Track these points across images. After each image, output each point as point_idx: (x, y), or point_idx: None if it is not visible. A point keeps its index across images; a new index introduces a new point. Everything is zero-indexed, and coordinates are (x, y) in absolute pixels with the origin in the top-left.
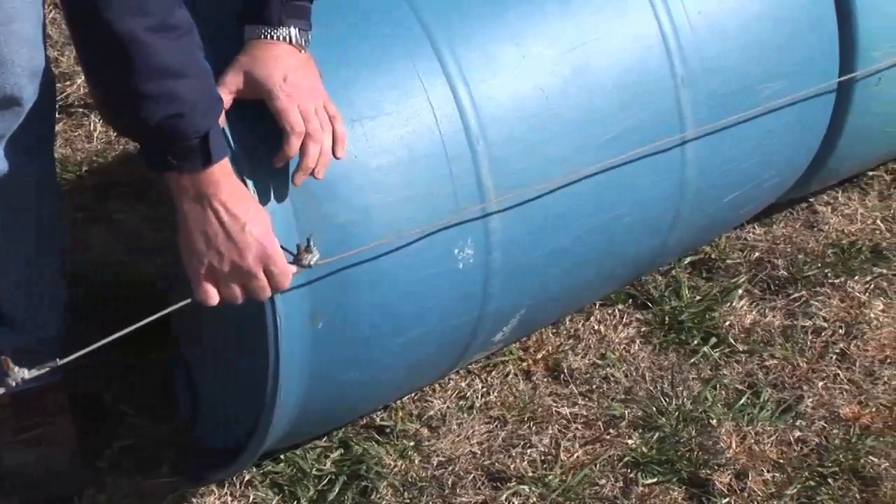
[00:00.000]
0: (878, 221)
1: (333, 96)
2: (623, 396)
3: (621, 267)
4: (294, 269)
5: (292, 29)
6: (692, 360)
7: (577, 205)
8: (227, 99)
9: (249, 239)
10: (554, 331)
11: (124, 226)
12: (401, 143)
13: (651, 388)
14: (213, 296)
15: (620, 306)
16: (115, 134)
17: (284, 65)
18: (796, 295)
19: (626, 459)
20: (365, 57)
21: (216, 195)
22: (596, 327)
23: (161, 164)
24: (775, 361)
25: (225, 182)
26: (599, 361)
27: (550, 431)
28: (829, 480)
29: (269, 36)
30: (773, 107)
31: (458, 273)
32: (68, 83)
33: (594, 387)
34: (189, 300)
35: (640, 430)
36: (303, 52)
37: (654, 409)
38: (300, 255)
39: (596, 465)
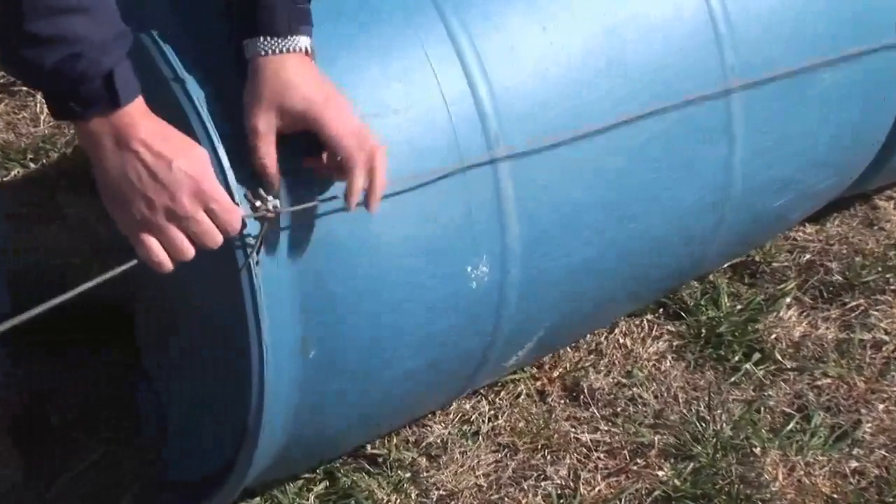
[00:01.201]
0: None
1: None
2: (652, 421)
3: (654, 281)
4: (243, 211)
5: (303, 38)
6: (732, 379)
7: (606, 214)
8: (270, 153)
9: (179, 176)
10: (572, 345)
11: (76, 223)
12: (409, 145)
13: (685, 411)
14: (155, 250)
15: (649, 317)
16: None
17: (314, 81)
18: (853, 304)
19: (655, 494)
20: (367, 43)
21: (134, 136)
22: (621, 341)
23: (65, 111)
24: (829, 380)
25: (142, 122)
26: (625, 380)
27: (568, 461)
28: None
29: (280, 50)
30: (830, 97)
31: (470, 293)
32: None
33: (619, 410)
34: (135, 261)
35: (672, 460)
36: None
37: (689, 435)
38: (253, 202)
39: (621, 501)
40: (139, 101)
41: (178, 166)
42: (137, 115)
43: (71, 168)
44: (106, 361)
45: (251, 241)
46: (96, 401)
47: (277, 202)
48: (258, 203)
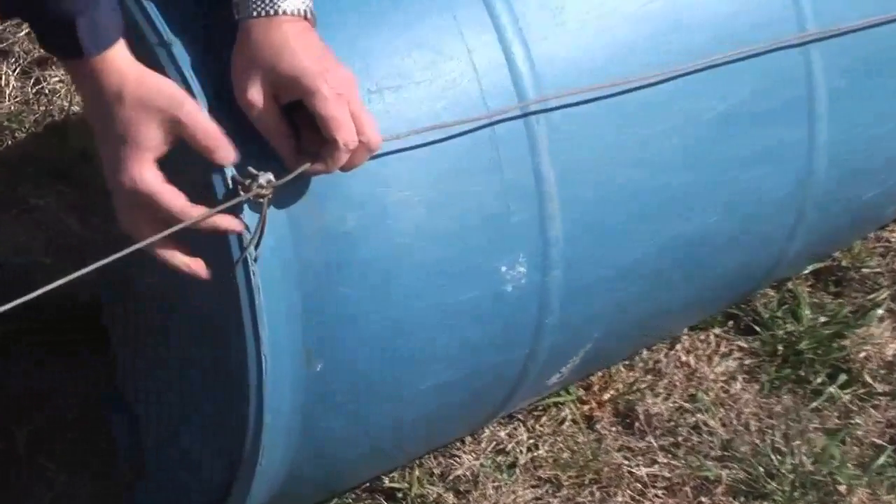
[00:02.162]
0: None
1: (341, 58)
2: (719, 453)
3: (723, 289)
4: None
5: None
6: (814, 405)
7: (664, 206)
8: (279, 128)
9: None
10: (626, 363)
11: (44, 215)
12: (434, 122)
13: (757, 441)
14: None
15: (717, 330)
16: (34, 90)
17: (313, 48)
18: None
19: None
20: (383, 5)
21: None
22: (683, 358)
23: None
24: None
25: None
26: (688, 405)
27: (621, 499)
28: None
29: (274, 10)
30: None
31: (504, 297)
32: None
33: (680, 439)
34: (113, 257)
35: (743, 498)
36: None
37: (762, 470)
38: (242, 181)
39: None
40: (114, 53)
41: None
42: (110, 67)
43: (39, 151)
44: (106, 361)
45: (246, 234)
46: (64, 424)
47: (270, 175)
48: (248, 182)
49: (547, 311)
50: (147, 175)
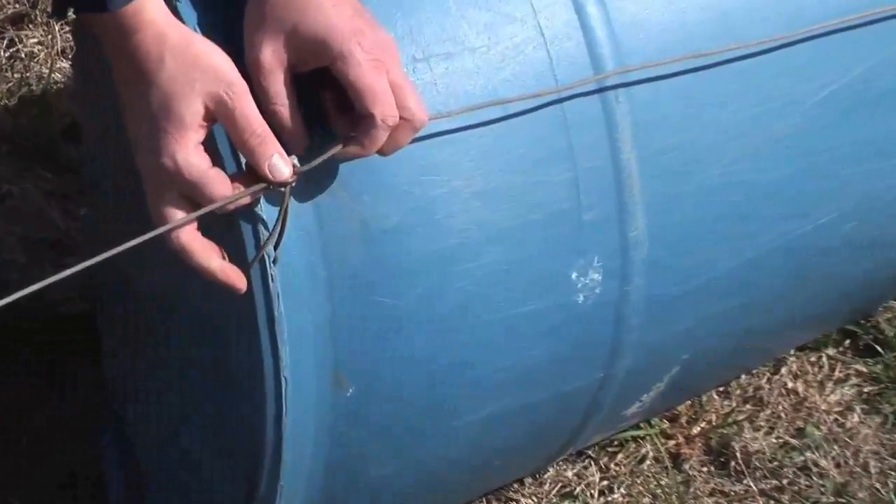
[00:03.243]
0: None
1: (381, 18)
2: (832, 499)
3: (837, 300)
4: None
5: None
6: None
7: (770, 204)
8: (283, 95)
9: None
10: (720, 391)
11: (21, 205)
12: (491, 97)
13: (877, 485)
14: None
15: (831, 351)
16: (7, 54)
17: (344, 5)
18: None
19: None
20: None
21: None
22: (790, 385)
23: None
24: None
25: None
26: (794, 441)
27: None
28: None
29: None
30: None
31: (575, 310)
32: None
33: (785, 482)
34: (109, 253)
35: None
36: None
37: None
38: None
39: None
40: (148, 6)
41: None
42: (146, 26)
43: (13, 128)
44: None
45: (263, 230)
46: (42, 457)
47: (295, 159)
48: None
49: (625, 328)
50: (193, 158)
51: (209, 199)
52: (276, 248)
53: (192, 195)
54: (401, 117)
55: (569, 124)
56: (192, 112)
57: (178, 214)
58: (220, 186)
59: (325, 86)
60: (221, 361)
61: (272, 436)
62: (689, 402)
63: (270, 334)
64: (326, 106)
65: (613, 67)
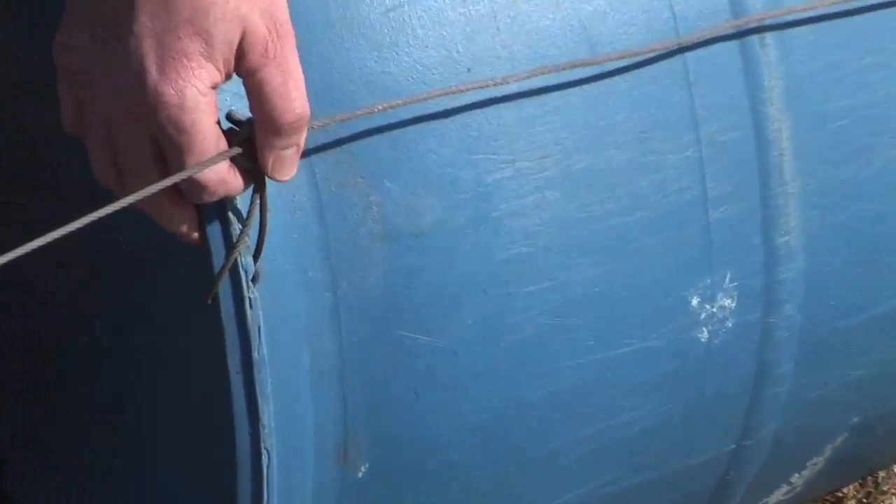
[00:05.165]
0: None
1: None
2: None
3: None
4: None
5: None
6: None
7: None
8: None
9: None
10: None
11: None
12: (573, 55)
13: None
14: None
15: None
16: None
17: None
18: None
19: None
20: None
21: None
22: None
23: None
24: None
25: None
26: None
27: None
28: None
29: None
30: None
31: (696, 352)
32: None
33: None
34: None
35: None
36: None
37: None
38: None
39: None
40: None
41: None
42: None
43: None
44: None
45: (235, 228)
46: None
47: None
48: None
49: (770, 378)
50: (206, 99)
51: (198, 155)
52: (255, 258)
53: (170, 146)
54: None
55: (692, 80)
56: (225, 41)
57: (141, 162)
58: (217, 141)
59: None
60: (187, 414)
61: None
62: (859, 481)
63: (246, 386)
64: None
65: (760, 9)
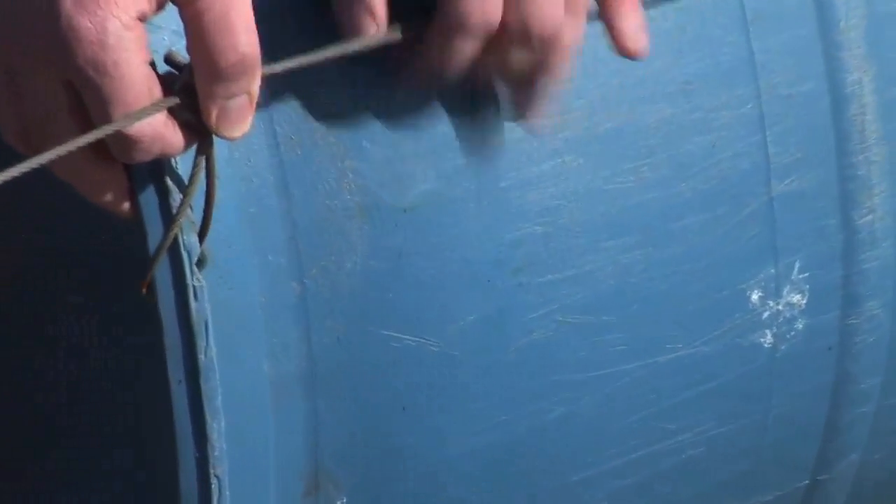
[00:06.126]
0: None
1: None
2: None
3: None
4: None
5: None
6: None
7: None
8: None
9: None
10: None
11: None
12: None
13: None
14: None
15: None
16: None
17: None
18: None
19: None
20: None
21: None
22: None
23: None
24: None
25: None
26: None
27: None
28: None
29: None
30: None
31: (756, 360)
32: None
33: None
34: None
35: None
36: None
37: None
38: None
39: None
40: None
41: None
42: None
43: None
44: None
45: (174, 197)
46: None
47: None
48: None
49: (851, 396)
50: (131, 34)
51: (117, 108)
52: (201, 236)
53: (89, 94)
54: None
55: (749, 18)
56: None
57: (54, 117)
58: (149, 86)
59: None
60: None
61: None
62: None
63: (191, 398)
64: None
65: None
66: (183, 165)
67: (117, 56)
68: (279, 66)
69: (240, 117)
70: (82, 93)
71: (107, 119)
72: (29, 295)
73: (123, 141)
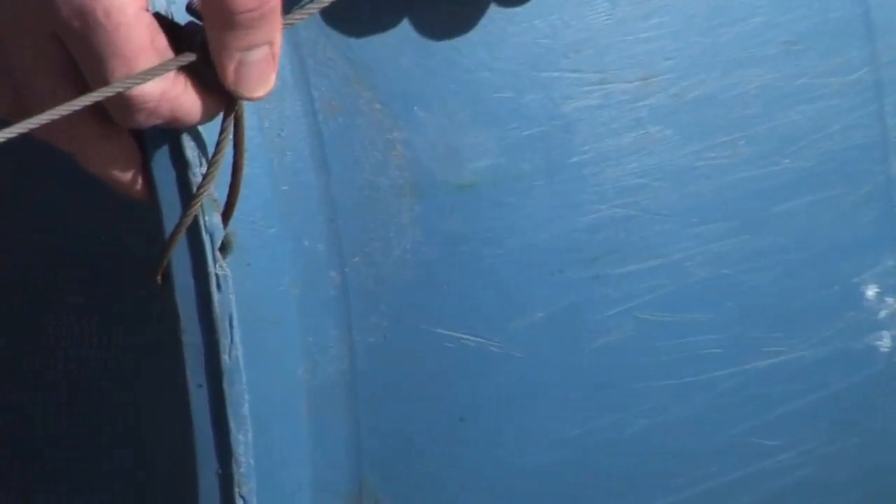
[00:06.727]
0: None
1: None
2: None
3: None
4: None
5: None
6: None
7: None
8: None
9: None
10: None
11: None
12: None
13: None
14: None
15: None
16: None
17: None
18: None
19: None
20: None
21: None
22: None
23: None
24: None
25: None
26: None
27: None
28: None
29: None
30: None
31: (872, 366)
32: None
33: None
34: None
35: None
36: None
37: None
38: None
39: None
40: None
41: None
42: None
43: None
44: None
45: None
46: None
47: None
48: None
49: None
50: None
51: (116, 65)
52: (225, 218)
53: (80, 50)
54: None
55: None
56: None
57: (44, 79)
58: (145, 50)
59: None
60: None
61: None
62: None
63: (213, 405)
64: None
65: None
66: (207, 136)
67: (109, 3)
68: (307, 10)
69: (261, 74)
70: (72, 51)
71: (102, 79)
72: (29, 295)
73: (124, 103)
